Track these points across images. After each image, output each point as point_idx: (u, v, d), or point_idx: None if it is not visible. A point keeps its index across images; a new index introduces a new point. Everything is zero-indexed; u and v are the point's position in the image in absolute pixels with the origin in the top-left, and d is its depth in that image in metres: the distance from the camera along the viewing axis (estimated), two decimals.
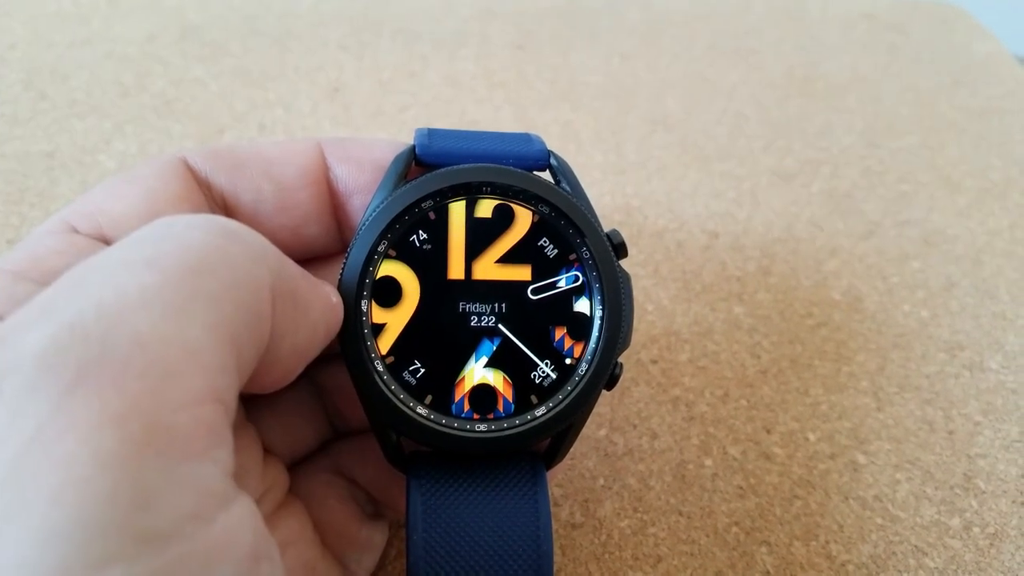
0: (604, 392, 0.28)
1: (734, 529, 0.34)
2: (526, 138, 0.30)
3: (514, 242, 0.28)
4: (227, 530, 0.17)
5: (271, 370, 0.22)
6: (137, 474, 0.16)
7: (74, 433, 0.16)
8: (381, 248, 0.27)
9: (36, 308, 0.18)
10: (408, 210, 0.27)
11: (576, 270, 0.28)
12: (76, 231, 0.25)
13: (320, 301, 0.24)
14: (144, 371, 0.17)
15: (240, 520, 0.18)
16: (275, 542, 0.20)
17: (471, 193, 0.28)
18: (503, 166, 0.28)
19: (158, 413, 0.17)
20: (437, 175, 0.27)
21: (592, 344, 0.28)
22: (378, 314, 0.27)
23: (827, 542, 0.34)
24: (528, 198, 0.28)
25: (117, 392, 0.16)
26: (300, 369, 0.24)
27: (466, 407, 0.27)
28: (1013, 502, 0.36)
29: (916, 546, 0.34)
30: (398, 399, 0.26)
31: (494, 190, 0.28)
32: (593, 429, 0.38)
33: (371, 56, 0.61)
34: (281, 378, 0.24)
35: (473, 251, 0.28)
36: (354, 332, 0.26)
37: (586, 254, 0.28)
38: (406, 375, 0.27)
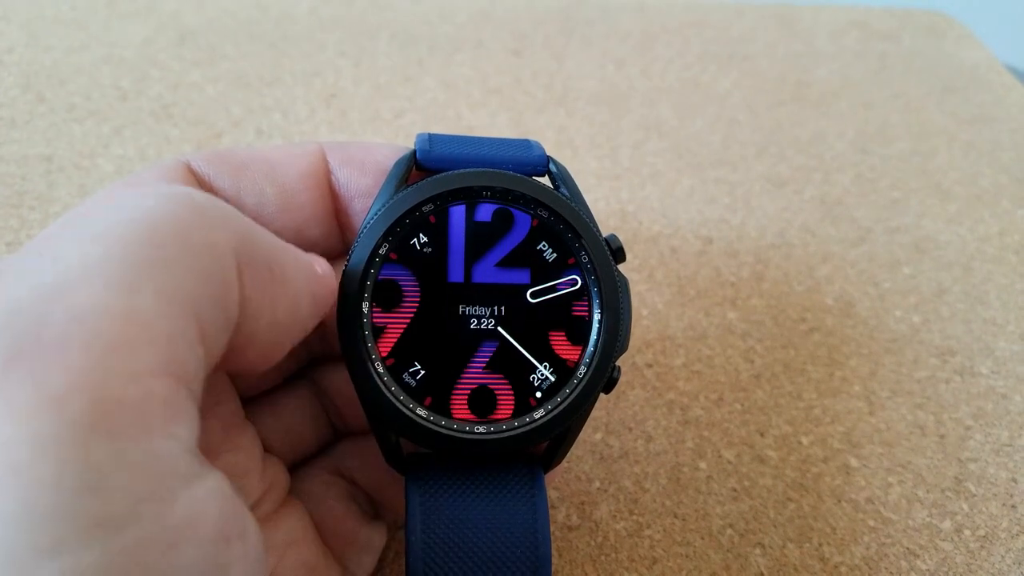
0: (601, 395, 0.29)
1: (728, 531, 0.35)
2: (526, 144, 0.30)
3: (513, 246, 0.28)
4: (189, 511, 0.17)
5: (252, 345, 0.22)
6: (83, 457, 0.15)
7: (9, 418, 0.15)
8: (382, 251, 0.27)
9: None
10: (409, 213, 0.27)
11: (575, 274, 0.28)
12: None
13: (302, 271, 0.23)
14: (85, 345, 0.16)
15: (204, 500, 0.17)
16: (251, 519, 0.20)
17: (471, 197, 0.28)
18: (503, 171, 0.28)
19: (103, 389, 0.16)
20: (438, 179, 0.27)
21: (590, 347, 0.28)
22: (379, 316, 0.27)
23: (820, 544, 0.34)
24: (528, 202, 0.28)
25: (55, 370, 0.15)
26: (287, 346, 0.23)
27: (465, 409, 0.27)
28: (1003, 505, 0.36)
29: (908, 548, 0.34)
30: (398, 401, 0.27)
31: (494, 194, 0.28)
32: (589, 432, 0.38)
33: (368, 61, 0.62)
34: (264, 355, 0.23)
35: (473, 254, 0.28)
36: (354, 334, 0.26)
37: (585, 258, 0.28)
38: (406, 377, 0.27)
